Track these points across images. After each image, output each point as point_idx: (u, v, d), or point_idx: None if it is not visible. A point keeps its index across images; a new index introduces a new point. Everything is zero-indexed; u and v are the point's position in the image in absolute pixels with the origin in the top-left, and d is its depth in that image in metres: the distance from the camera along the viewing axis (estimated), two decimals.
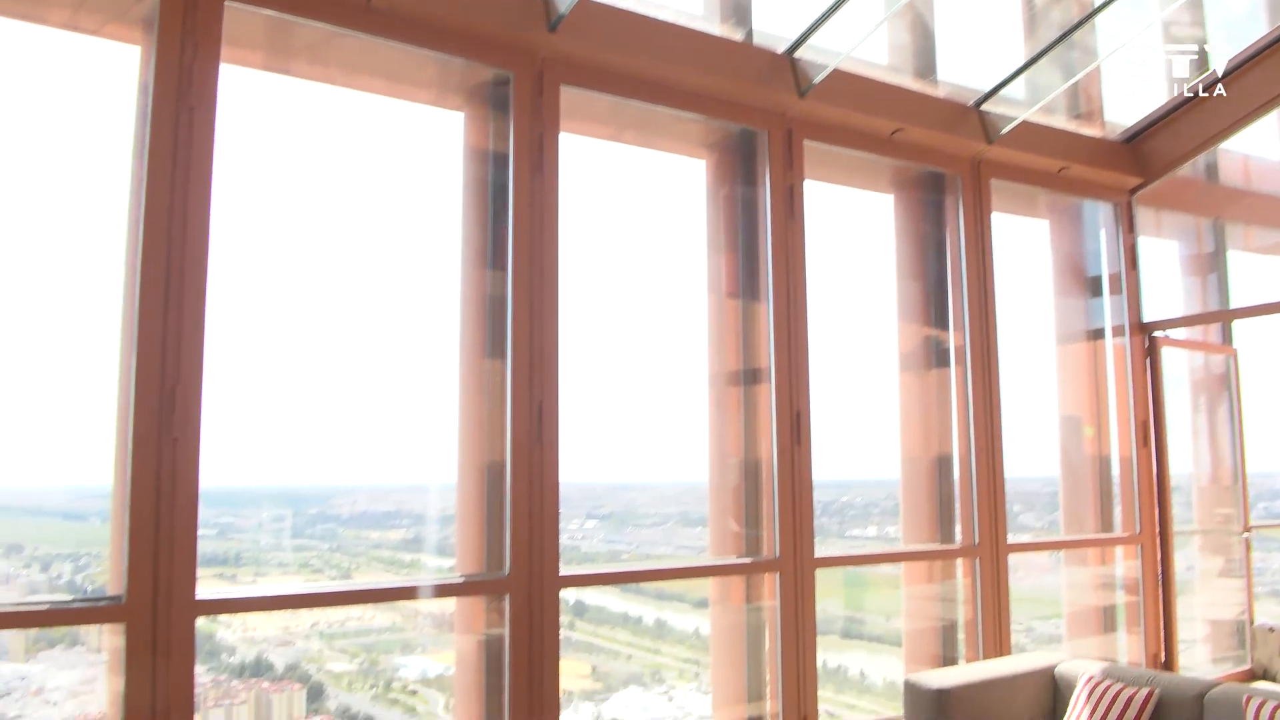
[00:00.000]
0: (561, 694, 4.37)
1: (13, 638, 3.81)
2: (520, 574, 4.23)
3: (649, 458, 5.15)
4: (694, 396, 5.25)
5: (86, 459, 3.77)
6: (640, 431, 5.06)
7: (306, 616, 4.39)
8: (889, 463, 5.94)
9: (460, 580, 4.31)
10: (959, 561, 5.77)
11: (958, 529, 5.74)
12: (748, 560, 5.00)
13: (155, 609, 3.48)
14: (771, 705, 4.96)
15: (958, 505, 5.74)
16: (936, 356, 5.93)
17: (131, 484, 3.48)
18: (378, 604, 4.48)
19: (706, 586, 5.21)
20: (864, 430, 5.94)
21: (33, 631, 3.83)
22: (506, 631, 4.21)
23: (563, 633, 4.41)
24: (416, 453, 4.56)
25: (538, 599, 4.25)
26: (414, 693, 4.54)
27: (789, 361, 5.03)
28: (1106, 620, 6.56)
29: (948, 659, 5.71)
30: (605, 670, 5.08)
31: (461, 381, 4.44)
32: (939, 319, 5.95)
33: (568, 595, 4.57)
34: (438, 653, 4.66)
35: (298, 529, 4.43)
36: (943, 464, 5.83)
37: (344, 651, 4.43)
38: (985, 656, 5.54)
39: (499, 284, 4.42)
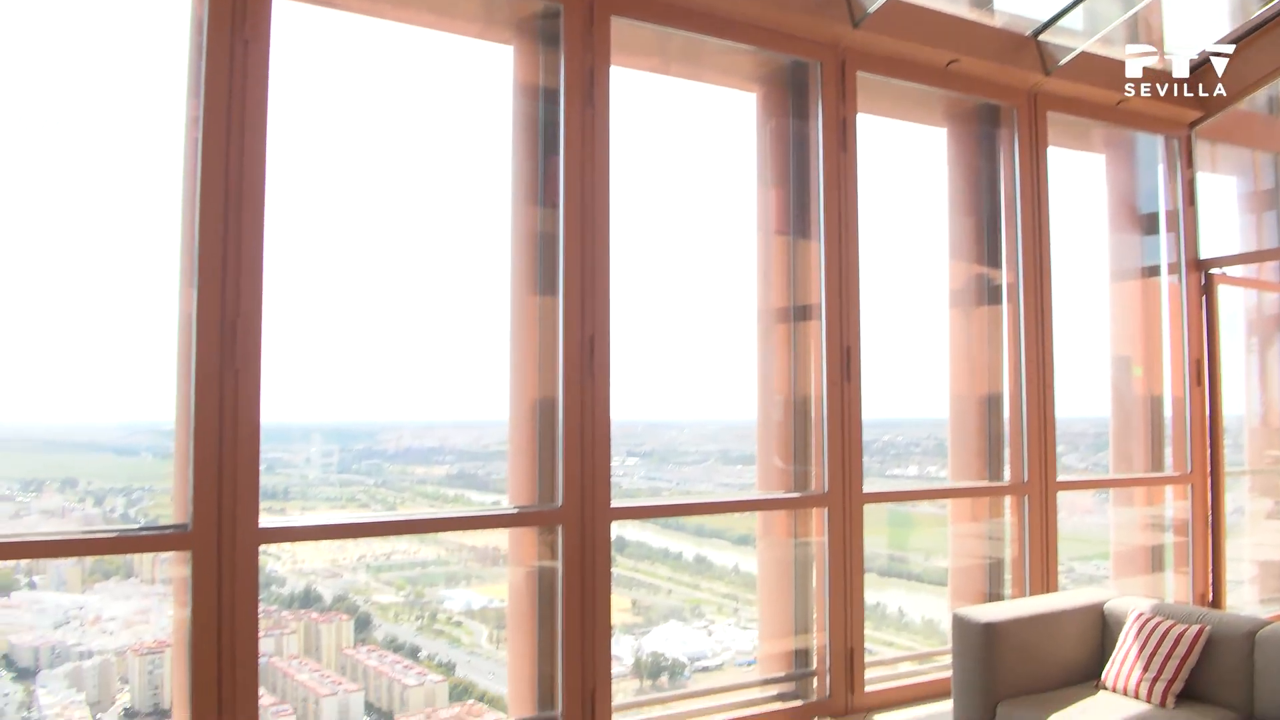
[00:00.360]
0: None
1: (70, 570, 3.95)
2: (573, 506, 4.28)
3: (691, 395, 5.17)
4: (741, 333, 5.24)
5: (141, 394, 3.85)
6: (683, 369, 5.06)
7: (353, 550, 4.47)
8: (934, 401, 5.92)
9: (515, 511, 4.37)
10: (1007, 500, 5.76)
11: (1006, 467, 5.72)
12: (797, 495, 5.02)
13: (220, 537, 3.58)
14: (819, 638, 5.02)
15: (1007, 443, 5.72)
16: (988, 293, 5.86)
17: (195, 415, 3.56)
18: (430, 535, 4.57)
19: (748, 523, 5.26)
20: (910, 368, 5.90)
21: (89, 563, 3.97)
22: (560, 562, 4.28)
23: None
24: (466, 389, 4.61)
25: (590, 531, 4.31)
26: (458, 624, 4.63)
27: (840, 298, 4.99)
28: (1154, 560, 6.54)
29: (993, 596, 5.72)
30: (646, 604, 5.15)
31: (513, 317, 4.46)
32: (991, 256, 5.87)
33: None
34: (481, 586, 4.75)
35: (344, 464, 4.51)
36: (992, 402, 5.79)
37: (390, 584, 4.51)
38: (1031, 594, 5.55)
39: (550, 221, 4.41)
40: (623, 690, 4.69)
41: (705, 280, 5.17)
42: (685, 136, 5.13)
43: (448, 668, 4.57)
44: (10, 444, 3.84)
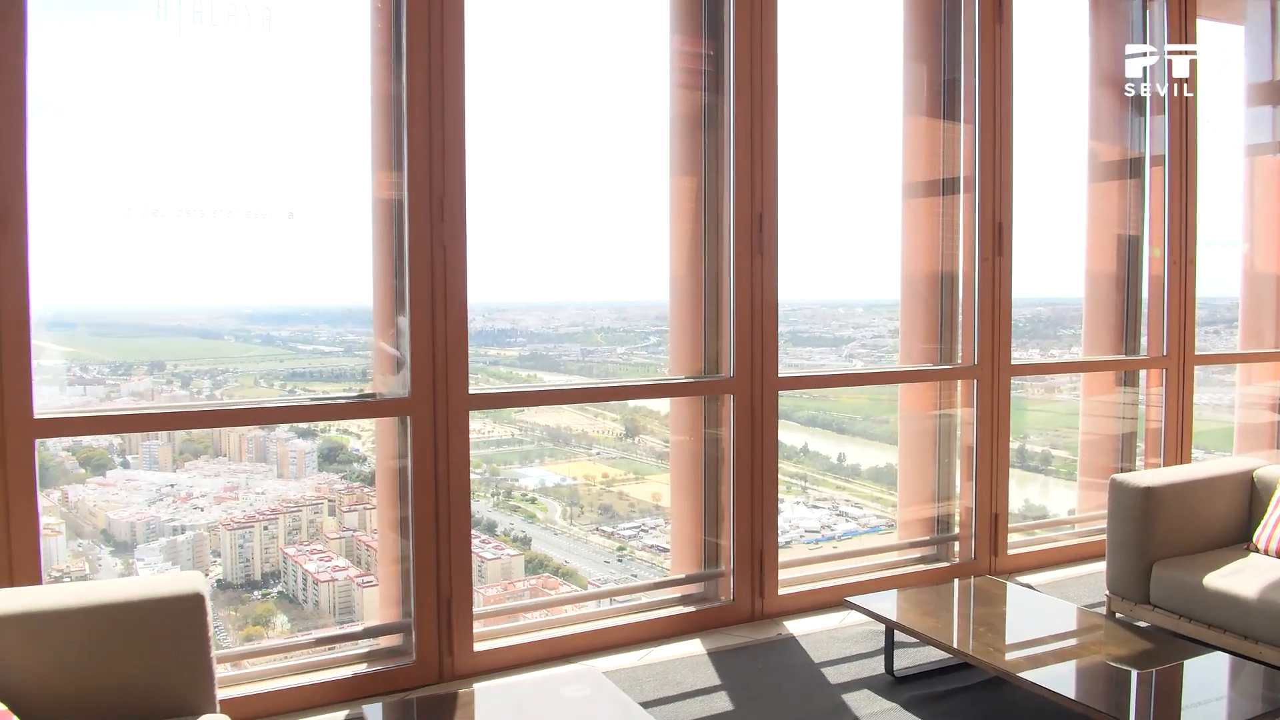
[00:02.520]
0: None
1: (161, 449, 4.13)
2: (743, 376, 4.46)
3: (835, 274, 5.26)
4: (884, 209, 5.29)
5: (225, 280, 3.91)
6: (830, 247, 5.15)
7: None
8: (1065, 279, 5.96)
9: (691, 380, 4.55)
10: (1142, 373, 5.84)
11: (1143, 341, 5.79)
12: (946, 367, 5.15)
13: (435, 404, 3.82)
14: (963, 504, 5.21)
15: (1145, 318, 5.77)
16: (1130, 168, 5.82)
17: (411, 290, 3.75)
18: (505, 413, 4.73)
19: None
20: (1041, 245, 5.92)
21: (179, 443, 4.16)
22: (732, 429, 4.49)
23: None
24: (630, 269, 4.76)
25: (758, 400, 4.50)
26: (533, 500, 4.79)
27: (993, 171, 5.02)
28: (1277, 436, 6.61)
29: (1123, 469, 5.86)
30: None
31: (672, 198, 4.57)
32: (1134, 129, 5.81)
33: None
34: (554, 464, 4.89)
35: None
36: (1131, 277, 5.82)
37: None
38: (1166, 465, 5.68)
39: (713, 103, 4.48)
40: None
41: (852, 155, 5.20)
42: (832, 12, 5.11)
43: (523, 542, 4.75)
44: (100, 329, 3.93)
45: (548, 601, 4.51)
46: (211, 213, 3.72)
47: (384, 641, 4.00)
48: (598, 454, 4.94)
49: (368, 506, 4.36)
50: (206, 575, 3.81)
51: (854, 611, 4.38)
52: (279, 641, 3.96)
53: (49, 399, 3.49)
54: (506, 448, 4.79)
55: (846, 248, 5.29)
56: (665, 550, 4.84)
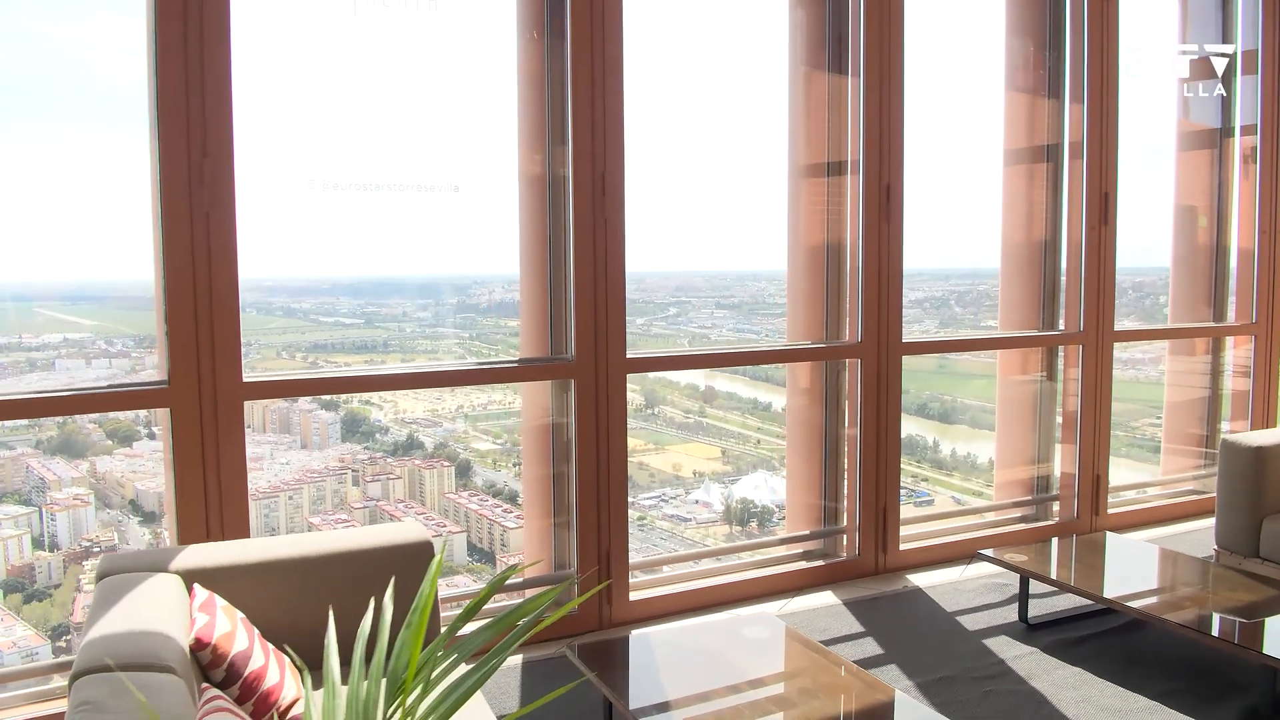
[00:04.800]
0: (693, 474, 4.95)
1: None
2: (870, 341, 4.68)
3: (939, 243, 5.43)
4: (983, 178, 5.46)
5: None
6: (929, 217, 5.32)
7: (450, 400, 4.62)
8: (1152, 250, 6.12)
9: (816, 346, 4.77)
10: (1229, 339, 6.03)
11: (1231, 307, 5.98)
12: (1053, 333, 5.35)
13: (596, 367, 4.05)
14: (1063, 465, 5.42)
15: (1234, 285, 5.95)
16: (1220, 136, 5.97)
17: (575, 262, 3.97)
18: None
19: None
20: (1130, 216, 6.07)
21: None
22: (859, 389, 4.71)
23: (694, 418, 4.97)
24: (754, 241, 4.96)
25: (884, 364, 4.71)
26: None
27: (1100, 142, 5.19)
28: None
29: (1209, 432, 6.07)
30: (735, 454, 5.30)
31: (790, 182, 4.77)
32: (1221, 103, 5.96)
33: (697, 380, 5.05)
34: None
35: (439, 318, 4.51)
36: (1218, 248, 6.00)
37: (487, 433, 4.70)
38: (1253, 428, 5.88)
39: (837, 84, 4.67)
40: (712, 535, 5.00)
41: (956, 128, 5.36)
42: None
43: None
44: (123, 302, 3.98)
45: (691, 555, 4.71)
46: (387, 187, 3.93)
47: (529, 592, 4.23)
48: None
49: (391, 476, 4.46)
50: None
51: (973, 565, 4.61)
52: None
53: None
54: None
55: (950, 216, 5.45)
56: (686, 520, 4.96)
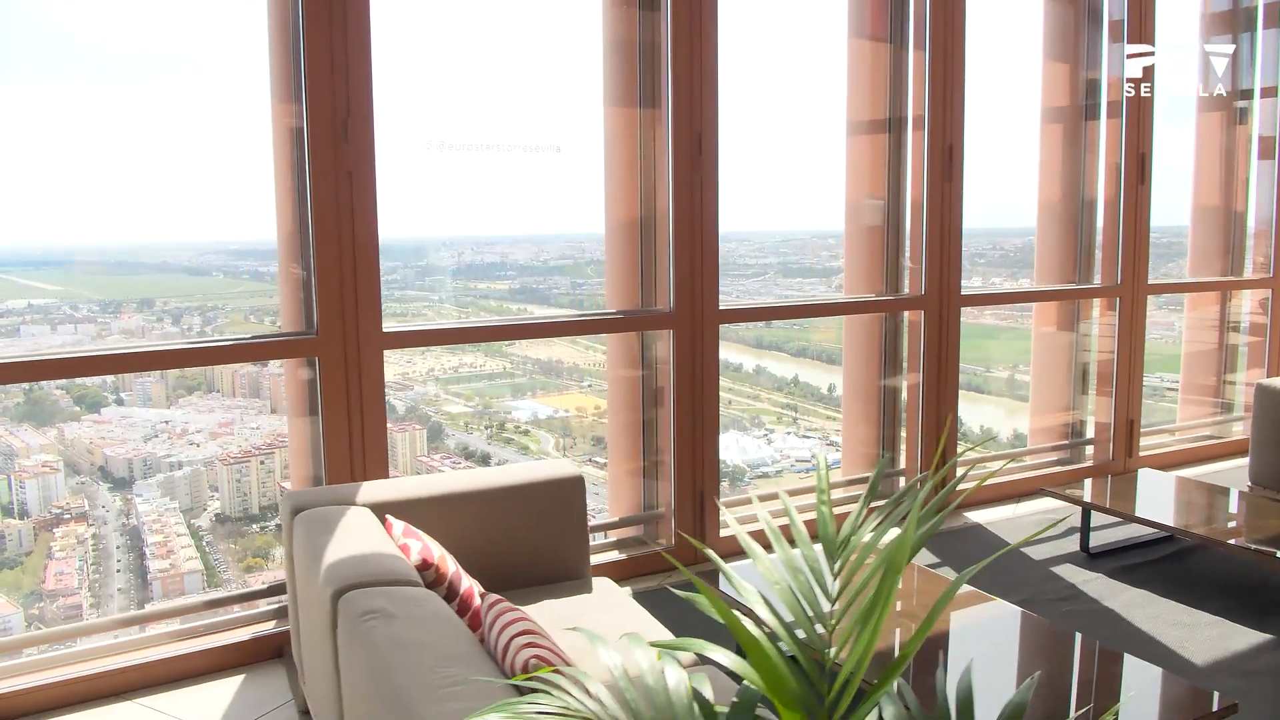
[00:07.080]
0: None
1: (154, 386, 4.06)
2: (933, 293, 4.97)
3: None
4: (1025, 135, 5.74)
5: (210, 216, 3.84)
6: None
7: (421, 364, 4.62)
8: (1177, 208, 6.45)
9: (893, 299, 5.04)
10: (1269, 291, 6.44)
11: (1247, 263, 6.35)
12: (1090, 286, 5.67)
13: (693, 319, 4.30)
14: (1096, 410, 5.78)
15: (1250, 243, 6.33)
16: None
17: (673, 219, 4.21)
18: (498, 347, 4.77)
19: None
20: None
21: (172, 380, 4.08)
22: (921, 343, 5.00)
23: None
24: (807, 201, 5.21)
25: (946, 315, 5.01)
26: (526, 433, 4.86)
27: (1137, 104, 5.49)
28: None
29: (1225, 382, 6.48)
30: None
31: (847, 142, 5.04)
32: (1243, 68, 6.28)
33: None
34: (545, 397, 4.91)
35: (407, 281, 4.47)
36: (1231, 206, 6.35)
37: (459, 396, 4.72)
38: (1269, 376, 6.28)
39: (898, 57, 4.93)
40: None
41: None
42: None
43: None
44: (89, 266, 3.90)
45: (769, 494, 4.95)
46: (496, 147, 4.14)
47: (628, 531, 4.51)
48: (589, 386, 4.97)
49: None
50: (205, 509, 4.05)
51: (1023, 502, 4.94)
52: None
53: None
54: (499, 381, 4.87)
55: (989, 175, 5.72)
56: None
